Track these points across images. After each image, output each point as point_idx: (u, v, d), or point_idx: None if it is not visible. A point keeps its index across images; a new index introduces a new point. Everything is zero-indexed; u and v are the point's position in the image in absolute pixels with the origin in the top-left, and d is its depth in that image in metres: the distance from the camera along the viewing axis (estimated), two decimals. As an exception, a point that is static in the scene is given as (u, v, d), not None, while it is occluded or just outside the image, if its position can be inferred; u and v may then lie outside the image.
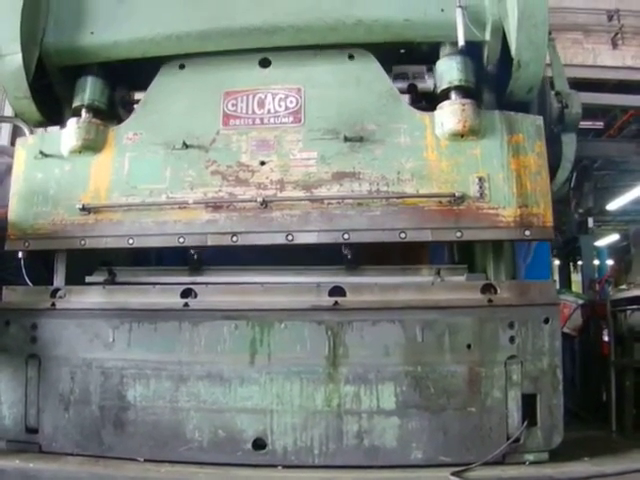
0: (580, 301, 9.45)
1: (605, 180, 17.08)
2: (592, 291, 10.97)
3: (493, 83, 6.03)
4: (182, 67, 6.15)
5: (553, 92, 6.39)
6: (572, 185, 11.50)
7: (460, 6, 5.55)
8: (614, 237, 20.57)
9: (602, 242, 20.35)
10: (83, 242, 5.76)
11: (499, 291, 5.33)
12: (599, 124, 14.43)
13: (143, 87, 6.21)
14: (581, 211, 12.13)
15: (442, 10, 5.72)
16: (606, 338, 8.00)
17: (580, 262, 13.61)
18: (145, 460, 5.24)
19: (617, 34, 14.54)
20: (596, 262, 15.34)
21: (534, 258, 6.90)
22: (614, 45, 14.54)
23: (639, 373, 7.31)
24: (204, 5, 5.96)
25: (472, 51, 5.76)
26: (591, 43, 13.89)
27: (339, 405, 5.21)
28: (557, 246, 12.36)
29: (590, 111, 12.87)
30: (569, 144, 6.35)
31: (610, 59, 13.97)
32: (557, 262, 14.43)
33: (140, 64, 6.09)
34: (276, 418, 5.25)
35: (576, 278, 14.30)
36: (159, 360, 5.41)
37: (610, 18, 14.61)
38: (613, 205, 19.21)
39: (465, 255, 6.39)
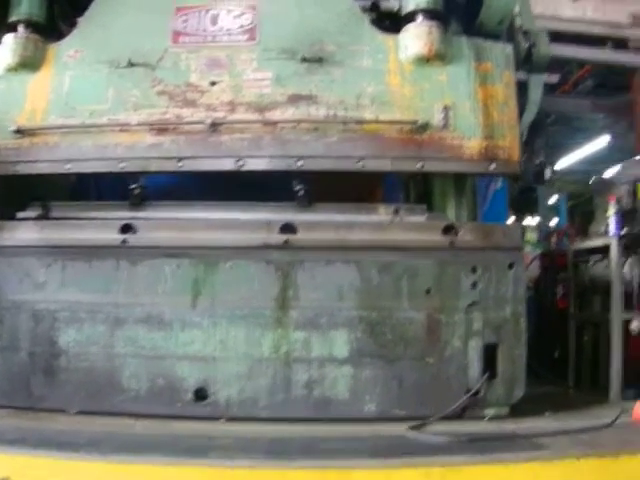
0: (538, 251, 8.81)
1: (556, 137, 16.01)
2: (549, 243, 10.01)
3: (461, 11, 5.35)
4: None
5: (520, 30, 5.57)
6: (524, 139, 10.55)
7: None
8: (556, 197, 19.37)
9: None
10: (16, 168, 4.89)
11: (461, 233, 4.69)
12: (554, 78, 13.51)
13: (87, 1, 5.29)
14: (538, 161, 11.14)
15: None
16: (562, 291, 7.28)
17: (536, 214, 12.72)
18: (78, 412, 4.52)
19: None
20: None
21: (490, 205, 6.31)
22: None
23: (597, 327, 6.54)
24: None
25: None
26: None
27: (288, 352, 4.54)
28: (512, 197, 11.39)
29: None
30: (536, 85, 5.60)
31: (570, 10, 12.62)
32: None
33: None
34: (219, 366, 4.55)
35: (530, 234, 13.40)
36: (94, 301, 4.63)
37: None
38: (562, 164, 18.02)
39: (422, 194, 5.65)
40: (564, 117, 14.12)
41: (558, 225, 13.69)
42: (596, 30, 11.99)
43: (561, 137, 16.17)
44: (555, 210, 15.65)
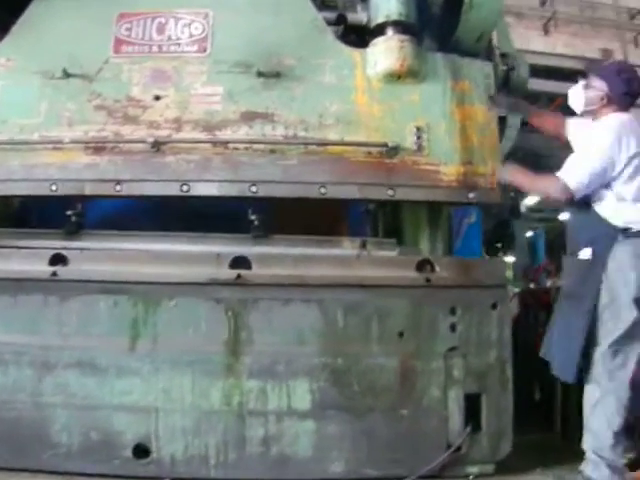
0: (516, 289, 8.42)
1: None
2: (527, 280, 9.62)
3: (436, 26, 5.00)
4: None
5: (498, 53, 5.28)
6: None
7: None
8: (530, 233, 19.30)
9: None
10: None
11: (438, 269, 4.32)
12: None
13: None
14: (512, 194, 10.85)
15: None
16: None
17: (511, 250, 12.33)
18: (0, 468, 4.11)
19: (549, 20, 13.77)
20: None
21: (463, 241, 6.07)
22: (546, 31, 13.72)
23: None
24: None
25: None
26: (523, 28, 13.13)
27: (241, 404, 4.12)
28: (486, 231, 11.07)
29: (517, 98, 11.97)
30: None
31: (542, 45, 13.06)
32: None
33: None
34: (162, 419, 4.11)
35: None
36: (20, 342, 4.17)
37: (543, 3, 13.85)
38: (529, 200, 17.91)
39: (391, 225, 5.26)
40: (533, 154, 14.02)
41: (536, 261, 13.46)
42: (567, 64, 11.93)
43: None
44: (532, 246, 15.47)
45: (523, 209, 10.85)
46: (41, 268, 4.21)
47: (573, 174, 3.78)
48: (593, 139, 3.86)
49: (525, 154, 13.91)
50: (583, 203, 3.89)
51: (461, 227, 5.89)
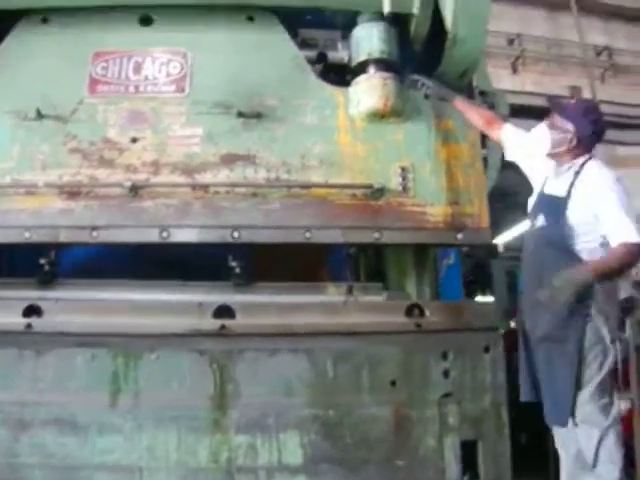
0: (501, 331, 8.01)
1: (494, 213, 15.92)
2: (508, 320, 9.49)
3: (417, 62, 4.84)
4: (45, 21, 4.72)
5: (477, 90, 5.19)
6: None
7: None
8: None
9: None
10: None
11: (427, 313, 4.18)
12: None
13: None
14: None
15: None
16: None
17: (489, 290, 12.18)
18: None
19: (518, 58, 13.80)
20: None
21: (443, 282, 5.73)
22: (514, 70, 13.76)
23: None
24: None
25: (395, 22, 4.62)
26: (492, 66, 12.84)
27: (229, 460, 3.89)
28: (464, 272, 10.94)
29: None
30: (494, 149, 5.09)
31: (510, 83, 12.92)
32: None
33: None
34: (147, 478, 3.85)
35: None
36: None
37: (511, 42, 13.86)
38: (499, 240, 17.92)
39: (374, 269, 5.17)
40: (503, 193, 14.11)
41: (516, 301, 13.32)
42: (536, 102, 11.89)
43: (498, 213, 16.16)
44: (511, 285, 15.35)
45: (500, 248, 10.74)
46: (14, 320, 3.99)
47: (629, 229, 3.69)
48: (603, 191, 3.78)
49: (494, 193, 14.15)
50: (563, 245, 3.82)
51: (441, 265, 5.71)
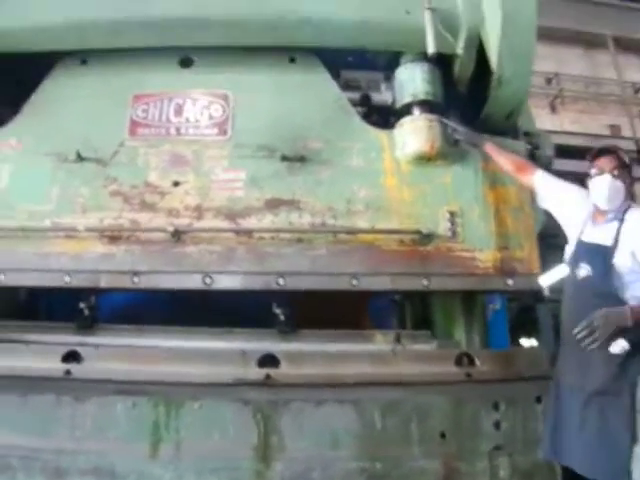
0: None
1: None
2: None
3: (462, 104, 4.81)
4: (84, 62, 4.74)
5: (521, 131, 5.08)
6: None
7: (430, 8, 4.33)
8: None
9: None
10: None
11: (477, 362, 4.11)
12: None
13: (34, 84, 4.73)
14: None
15: (407, 12, 4.47)
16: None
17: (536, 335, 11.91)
18: None
19: (556, 98, 13.86)
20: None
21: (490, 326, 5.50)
22: (553, 109, 13.83)
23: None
24: None
25: (440, 63, 4.57)
26: (531, 106, 12.92)
27: None
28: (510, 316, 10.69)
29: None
30: None
31: (549, 123, 12.97)
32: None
33: (30, 57, 4.62)
34: None
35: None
36: (30, 446, 3.78)
37: (549, 81, 13.90)
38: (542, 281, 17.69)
39: (420, 316, 4.99)
40: (542, 234, 13.99)
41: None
42: (575, 142, 11.85)
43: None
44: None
45: (546, 292, 10.43)
46: (54, 366, 3.97)
47: None
48: None
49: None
50: (611, 295, 3.60)
51: (487, 311, 5.51)
